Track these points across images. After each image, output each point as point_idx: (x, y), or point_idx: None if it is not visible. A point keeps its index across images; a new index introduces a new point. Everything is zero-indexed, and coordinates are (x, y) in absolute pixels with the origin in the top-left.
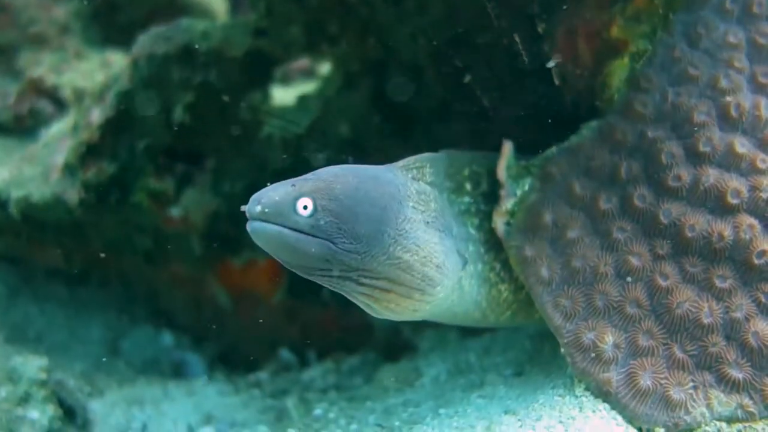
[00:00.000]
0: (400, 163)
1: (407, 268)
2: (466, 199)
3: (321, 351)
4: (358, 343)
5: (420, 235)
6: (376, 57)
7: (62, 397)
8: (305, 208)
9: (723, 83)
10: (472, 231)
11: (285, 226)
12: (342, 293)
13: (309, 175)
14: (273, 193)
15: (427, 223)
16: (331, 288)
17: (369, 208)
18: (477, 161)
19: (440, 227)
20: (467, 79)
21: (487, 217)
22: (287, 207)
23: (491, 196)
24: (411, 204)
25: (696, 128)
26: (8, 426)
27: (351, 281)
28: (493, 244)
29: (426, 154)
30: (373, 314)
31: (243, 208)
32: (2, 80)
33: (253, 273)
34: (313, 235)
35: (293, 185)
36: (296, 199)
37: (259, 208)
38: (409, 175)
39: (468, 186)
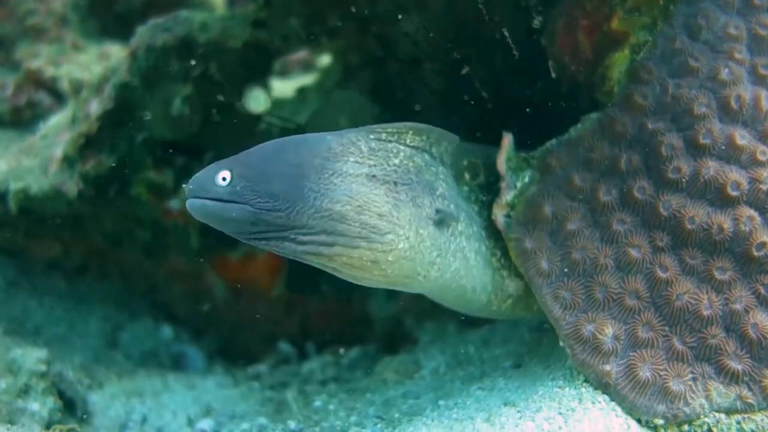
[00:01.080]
0: (371, 126)
1: (341, 218)
2: (465, 188)
3: (320, 343)
4: (357, 335)
5: (354, 188)
6: (376, 50)
7: (62, 389)
8: (224, 179)
9: (723, 75)
10: (474, 216)
11: (208, 198)
12: (298, 259)
13: (242, 153)
14: (199, 173)
15: (373, 176)
16: (280, 254)
17: (282, 167)
18: (474, 153)
19: (397, 180)
20: (465, 70)
21: (485, 206)
22: (208, 180)
23: (488, 187)
24: (352, 159)
25: (696, 120)
26: (8, 417)
27: (288, 241)
28: (493, 232)
29: (411, 123)
30: (345, 278)
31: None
32: (0, 72)
33: (252, 266)
34: (233, 201)
35: (218, 164)
36: (216, 172)
37: (187, 187)
38: (371, 136)
39: (467, 176)
